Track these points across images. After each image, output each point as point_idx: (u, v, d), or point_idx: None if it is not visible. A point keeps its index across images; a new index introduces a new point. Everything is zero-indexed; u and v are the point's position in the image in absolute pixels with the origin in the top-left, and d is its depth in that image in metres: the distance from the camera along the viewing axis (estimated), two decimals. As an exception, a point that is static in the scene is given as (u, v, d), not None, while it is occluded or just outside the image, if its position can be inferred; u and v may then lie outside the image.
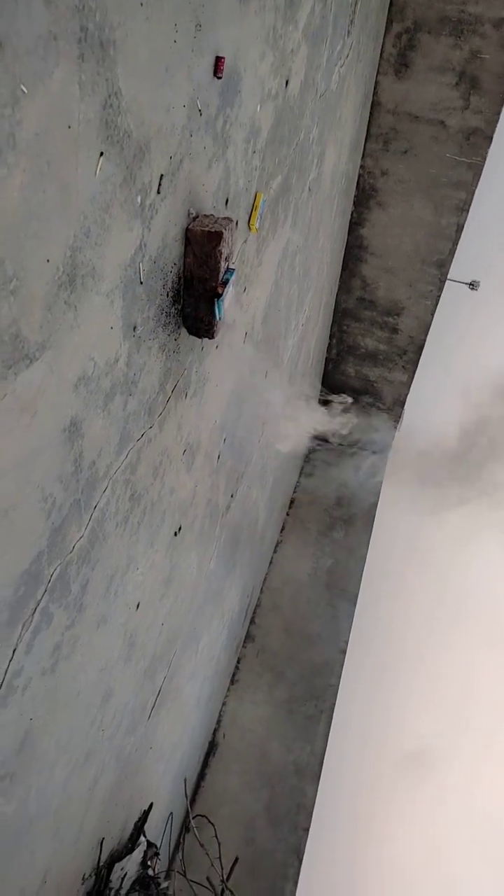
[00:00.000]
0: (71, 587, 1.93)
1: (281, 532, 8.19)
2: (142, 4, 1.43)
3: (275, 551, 7.96)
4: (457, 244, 6.71)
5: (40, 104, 1.16)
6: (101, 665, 2.45)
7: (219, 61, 1.98)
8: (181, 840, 5.15)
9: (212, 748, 6.18)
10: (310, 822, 6.06)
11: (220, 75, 2.00)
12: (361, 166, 6.43)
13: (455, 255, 6.80)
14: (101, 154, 1.43)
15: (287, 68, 2.82)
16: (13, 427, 1.38)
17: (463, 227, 6.47)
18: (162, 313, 2.08)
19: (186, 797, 4.83)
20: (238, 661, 6.81)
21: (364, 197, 6.67)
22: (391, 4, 5.31)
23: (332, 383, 8.64)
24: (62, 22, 1.15)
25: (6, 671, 1.67)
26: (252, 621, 7.20)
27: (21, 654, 1.73)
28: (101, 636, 2.34)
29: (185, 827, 5.30)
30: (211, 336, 2.33)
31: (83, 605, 2.07)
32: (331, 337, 8.06)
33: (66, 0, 1.14)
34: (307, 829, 6.02)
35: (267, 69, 2.51)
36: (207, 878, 4.08)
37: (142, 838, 3.65)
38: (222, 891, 4.00)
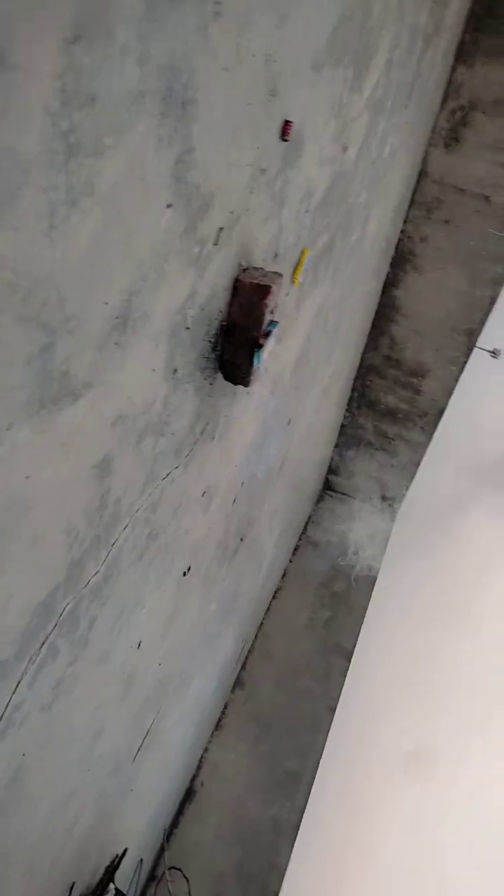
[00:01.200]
0: (80, 622, 1.91)
1: (282, 579, 8.10)
2: (225, 69, 1.48)
3: (274, 597, 7.86)
4: (488, 315, 6.79)
5: (121, 156, 1.20)
6: (97, 703, 2.40)
7: (286, 125, 2.05)
8: (149, 891, 4.97)
9: (189, 796, 6.00)
10: (280, 884, 5.83)
11: (286, 139, 2.06)
12: (402, 231, 6.57)
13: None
14: (169, 205, 1.47)
15: (347, 135, 2.91)
16: (50, 461, 1.39)
17: (496, 299, 6.56)
18: (202, 358, 2.11)
19: (163, 848, 4.67)
20: (224, 707, 6.67)
21: (402, 260, 6.78)
22: (449, 82, 5.50)
23: (349, 434, 8.66)
24: (151, 81, 1.19)
25: (8, 704, 1.64)
26: (243, 667, 7.06)
27: (24, 687, 1.70)
28: (101, 673, 2.30)
29: (154, 877, 5.11)
30: (247, 384, 2.35)
31: (88, 641, 2.05)
32: (353, 390, 8.10)
33: (157, 60, 1.19)
34: (276, 893, 5.78)
35: (329, 135, 2.59)
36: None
37: (111, 885, 3.52)
38: None
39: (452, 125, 5.74)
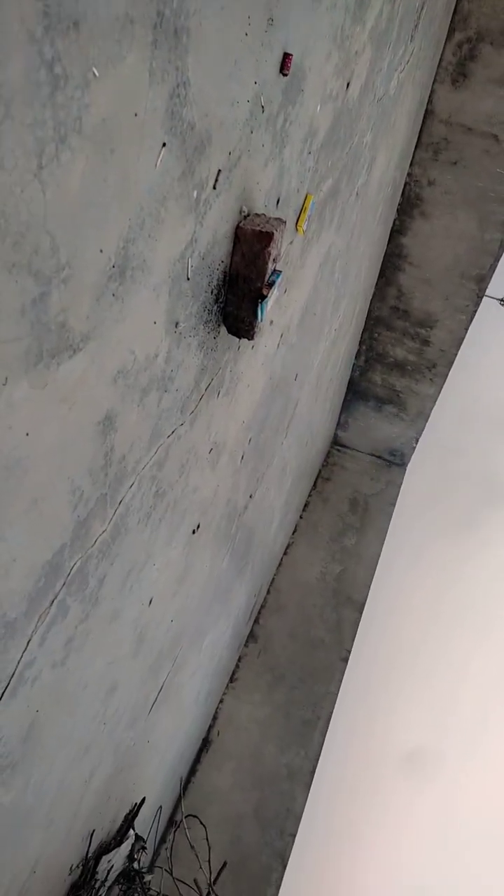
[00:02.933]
0: (89, 581, 1.90)
1: (293, 534, 8.14)
2: (219, -6, 1.38)
3: (285, 553, 7.91)
4: (498, 260, 6.61)
5: (110, 89, 1.12)
6: (109, 659, 2.42)
7: (286, 58, 1.93)
8: (168, 835, 5.14)
9: (205, 745, 6.16)
10: (297, 827, 6.03)
11: (286, 72, 1.95)
12: (408, 174, 6.35)
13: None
14: (164, 145, 1.39)
15: (350, 70, 2.76)
16: (51, 417, 1.35)
17: (506, 243, 6.37)
18: (204, 311, 2.04)
19: (181, 796, 4.81)
20: (239, 660, 6.78)
21: (408, 205, 6.58)
22: (455, 12, 5.22)
23: (357, 390, 8.57)
24: (140, 4, 1.11)
25: (19, 662, 1.64)
26: (256, 621, 7.16)
27: (35, 645, 1.70)
28: (112, 631, 2.31)
29: (174, 823, 5.28)
30: (250, 337, 2.29)
31: (98, 599, 2.04)
32: (360, 343, 7.98)
33: (146, -17, 1.10)
34: (293, 835, 5.98)
35: (331, 70, 2.46)
36: (195, 881, 4.06)
37: (131, 832, 3.64)
38: (208, 893, 3.98)
39: (459, 59, 5.47)
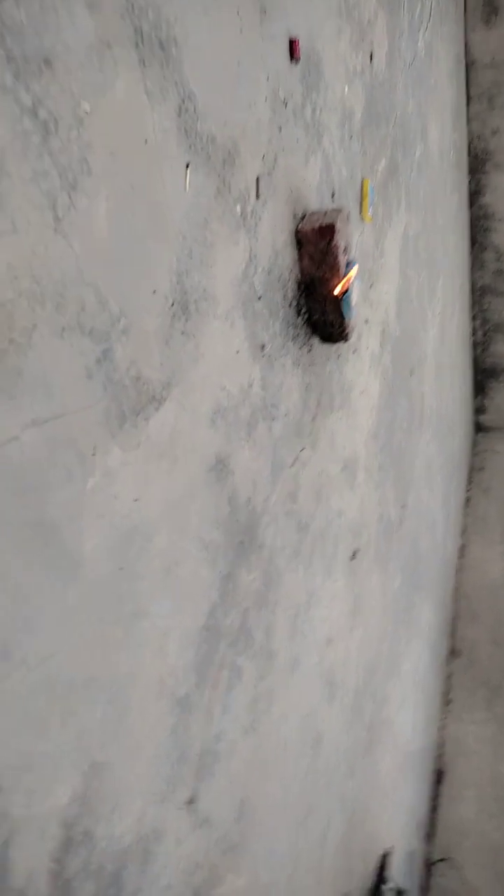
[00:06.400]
0: (254, 635, 1.79)
1: (462, 535, 7.62)
2: (197, -5, 1.31)
3: (460, 556, 7.40)
4: None
5: (108, 120, 1.06)
6: (304, 711, 2.27)
7: (293, 44, 1.82)
8: (430, 881, 4.77)
9: (439, 777, 5.74)
10: None
11: (297, 58, 1.84)
12: (469, 132, 5.98)
13: None
14: (187, 165, 1.31)
15: (368, 41, 2.61)
16: (154, 476, 1.27)
17: None
18: (288, 326, 1.92)
19: (426, 837, 4.46)
20: (447, 679, 6.33)
21: (478, 163, 6.17)
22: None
23: (484, 368, 8.00)
24: (112, 26, 1.05)
25: (207, 739, 1.54)
26: (452, 634, 6.69)
27: (218, 716, 1.60)
28: (297, 681, 2.17)
29: (429, 866, 4.91)
30: (345, 338, 2.13)
31: (271, 651, 1.92)
32: (473, 319, 7.48)
33: (110, 2, 1.04)
34: None
35: (346, 45, 2.32)
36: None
37: (387, 884, 3.38)
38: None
39: (485, -5, 5.13)
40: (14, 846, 0.95)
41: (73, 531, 1.04)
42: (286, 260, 1.88)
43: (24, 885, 0.98)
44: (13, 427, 0.90)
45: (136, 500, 1.22)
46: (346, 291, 2.00)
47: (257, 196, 1.66)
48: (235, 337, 1.60)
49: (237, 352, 1.61)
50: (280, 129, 1.78)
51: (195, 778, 1.54)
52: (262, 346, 1.75)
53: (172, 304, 1.29)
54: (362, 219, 2.72)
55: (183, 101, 1.28)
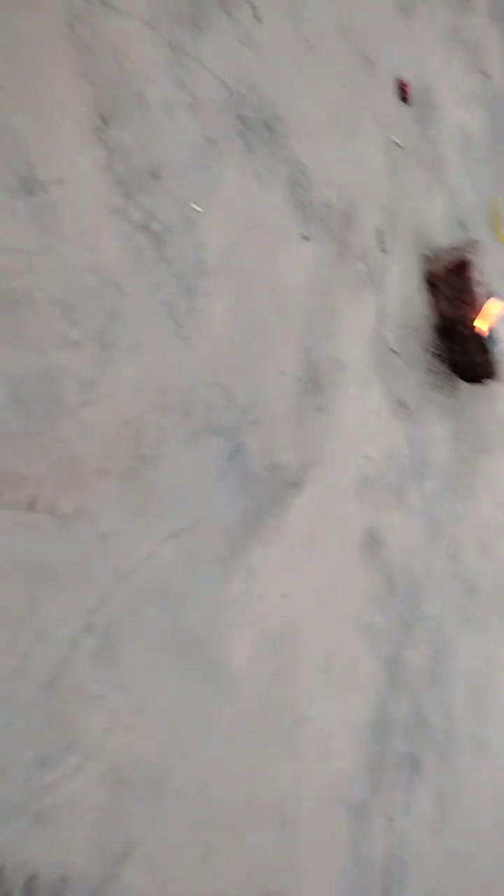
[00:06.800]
0: (430, 721, 1.62)
1: None
2: (295, 65, 1.27)
3: None
4: None
5: (221, 215, 1.03)
6: (500, 793, 2.03)
7: (403, 87, 1.74)
8: None
9: None
10: None
11: (408, 99, 1.75)
12: None
13: None
14: (305, 238, 1.26)
15: (479, 58, 2.46)
16: (300, 565, 1.19)
17: None
18: (430, 374, 1.79)
19: None
20: None
21: None
22: None
23: None
24: (216, 121, 1.03)
25: (390, 846, 1.40)
26: None
27: (399, 818, 1.45)
28: (487, 764, 1.94)
29: None
30: (495, 376, 1.95)
31: (450, 735, 1.73)
32: None
33: (211, 98, 1.02)
34: None
35: (459, 69, 2.20)
36: None
37: None
38: None
39: None
40: None
41: (221, 644, 0.99)
42: (419, 305, 1.76)
43: None
44: (151, 543, 0.87)
45: (283, 596, 1.14)
46: (490, 326, 1.83)
47: (382, 249, 1.57)
48: (373, 399, 1.50)
49: (378, 415, 1.51)
50: (398, 174, 1.69)
51: (383, 894, 1.40)
52: (403, 403, 1.64)
53: (305, 382, 1.23)
54: (500, 240, 2.53)
55: (293, 175, 1.24)
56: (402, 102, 1.76)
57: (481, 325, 1.83)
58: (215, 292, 1.01)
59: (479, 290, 1.81)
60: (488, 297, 1.86)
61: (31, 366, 0.73)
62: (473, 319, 1.84)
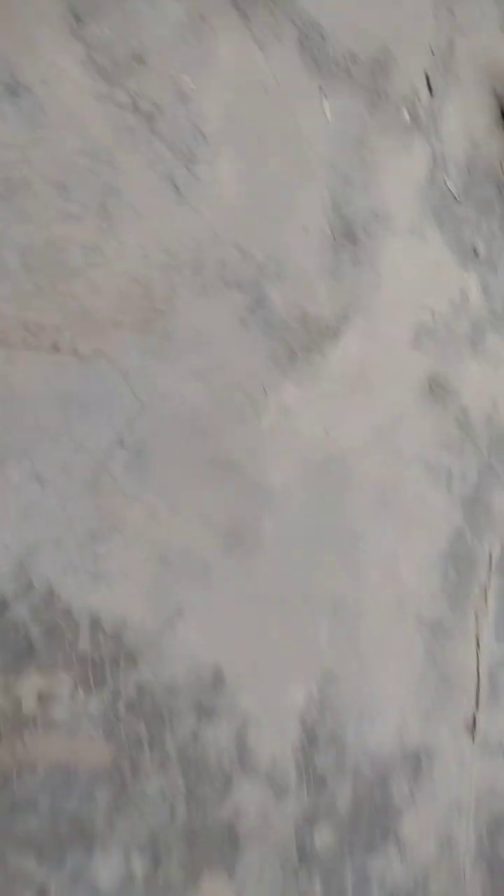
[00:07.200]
0: None
1: None
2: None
3: None
4: None
5: (217, 87, 1.14)
6: None
7: None
8: None
9: None
10: None
11: None
12: None
13: None
14: (325, 95, 1.31)
15: None
16: (347, 407, 1.30)
17: None
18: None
19: None
20: None
21: None
22: None
23: None
24: None
25: (481, 665, 1.50)
26: None
27: (490, 642, 1.54)
28: None
29: None
30: None
31: None
32: None
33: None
34: None
35: None
36: None
37: None
38: None
39: None
40: (250, 735, 1.11)
41: (256, 465, 1.16)
42: (493, 147, 1.68)
43: (269, 768, 1.13)
44: (173, 382, 1.06)
45: (327, 433, 1.27)
46: None
47: (430, 93, 1.54)
48: (431, 250, 1.51)
49: (436, 264, 1.52)
50: (451, 9, 1.61)
51: (473, 706, 1.51)
52: (475, 250, 1.61)
53: (332, 238, 1.31)
54: None
55: (305, 34, 1.29)
56: None
57: None
58: (217, 159, 1.13)
59: None
60: None
61: (36, 237, 0.93)
62: None
